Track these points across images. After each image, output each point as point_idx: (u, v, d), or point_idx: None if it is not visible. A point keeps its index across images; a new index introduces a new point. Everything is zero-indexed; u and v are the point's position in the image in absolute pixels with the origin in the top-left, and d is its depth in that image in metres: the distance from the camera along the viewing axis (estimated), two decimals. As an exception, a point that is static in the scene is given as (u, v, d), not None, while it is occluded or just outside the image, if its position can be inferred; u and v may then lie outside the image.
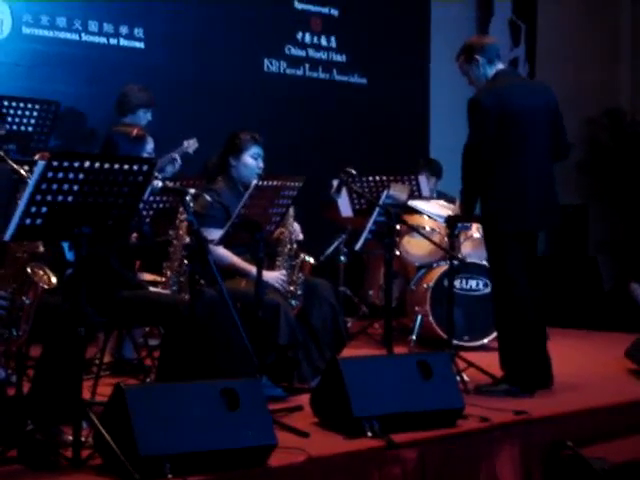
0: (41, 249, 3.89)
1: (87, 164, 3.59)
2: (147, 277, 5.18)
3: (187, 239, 4.97)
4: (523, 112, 5.34)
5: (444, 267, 7.03)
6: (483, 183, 5.35)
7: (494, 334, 6.94)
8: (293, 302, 5.31)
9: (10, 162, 4.00)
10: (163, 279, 5.11)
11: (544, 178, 5.45)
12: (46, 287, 3.81)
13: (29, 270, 3.82)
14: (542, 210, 5.45)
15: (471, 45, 5.53)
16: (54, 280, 3.83)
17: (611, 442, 4.99)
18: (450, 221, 6.01)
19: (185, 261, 5.02)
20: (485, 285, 7.12)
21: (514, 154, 5.31)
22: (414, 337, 7.02)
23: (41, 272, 3.83)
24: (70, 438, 3.72)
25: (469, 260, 7.08)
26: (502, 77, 5.46)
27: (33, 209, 3.56)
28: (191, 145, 7.09)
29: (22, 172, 3.86)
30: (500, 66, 5.50)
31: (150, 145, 4.79)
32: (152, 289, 4.86)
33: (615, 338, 7.43)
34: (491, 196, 5.36)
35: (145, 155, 4.72)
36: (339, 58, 9.14)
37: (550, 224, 5.81)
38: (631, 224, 11.23)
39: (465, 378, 5.46)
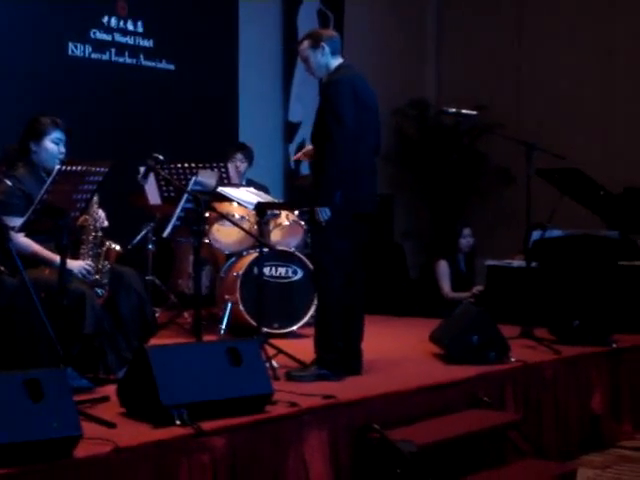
0: None
1: None
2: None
3: (-16, 226, 4.78)
4: (367, 103, 5.45)
5: (254, 255, 7.04)
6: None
7: (303, 321, 7.03)
8: (99, 291, 5.20)
9: None
10: (-40, 268, 4.91)
11: (373, 167, 5.57)
12: None
13: None
14: (372, 195, 5.56)
15: (319, 33, 5.62)
16: None
17: (418, 424, 5.10)
18: (260, 208, 6.02)
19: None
20: (294, 272, 7.17)
21: (357, 138, 5.33)
22: (224, 326, 7.00)
23: None
24: None
25: (279, 247, 7.11)
26: (346, 69, 5.53)
27: None
28: None
29: None
30: (341, 60, 5.56)
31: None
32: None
33: (420, 323, 7.61)
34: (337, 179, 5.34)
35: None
36: (146, 43, 9.00)
37: (375, 210, 5.70)
38: (436, 213, 11.53)
39: (275, 364, 5.49)
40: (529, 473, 5.30)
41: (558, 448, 6.07)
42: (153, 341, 5.41)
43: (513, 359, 6.02)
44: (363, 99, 5.45)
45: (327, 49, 5.50)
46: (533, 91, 11.26)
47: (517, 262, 8.26)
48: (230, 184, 6.98)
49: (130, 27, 8.87)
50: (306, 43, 5.56)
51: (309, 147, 5.76)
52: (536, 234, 7.58)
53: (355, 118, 5.32)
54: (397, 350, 6.56)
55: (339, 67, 5.53)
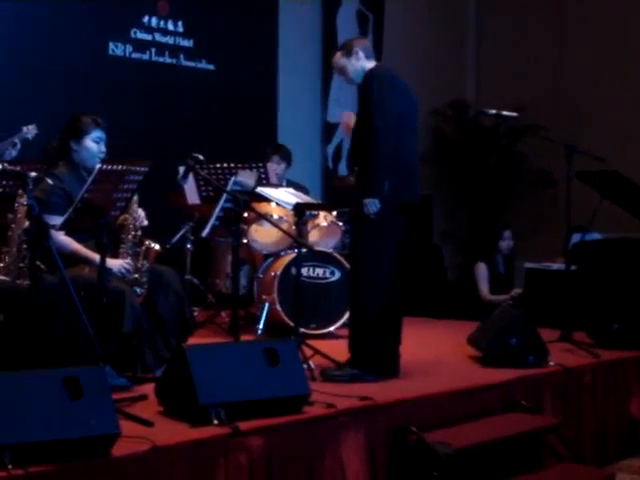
0: None
1: None
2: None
3: (26, 224, 4.80)
4: (407, 99, 5.48)
5: (291, 255, 7.03)
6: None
7: (341, 322, 7.01)
8: (138, 290, 5.20)
9: None
10: (1, 265, 4.93)
11: (415, 163, 5.56)
12: None
13: None
14: (417, 187, 5.54)
15: (350, 41, 5.64)
16: None
17: (455, 427, 5.08)
18: (298, 209, 6.01)
19: (25, 246, 4.86)
20: (332, 273, 7.15)
21: (400, 129, 5.34)
22: (261, 326, 7.00)
23: None
24: None
25: (316, 248, 7.10)
26: (382, 68, 5.56)
27: None
28: (30, 131, 6.87)
29: None
30: (375, 63, 5.57)
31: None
32: (-10, 275, 4.70)
33: (458, 326, 7.59)
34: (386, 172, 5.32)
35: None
36: (186, 43, 9.04)
37: (419, 202, 5.70)
38: (474, 215, 11.48)
39: (312, 365, 5.47)
40: (567, 478, 5.27)
41: (596, 453, 6.02)
42: (191, 340, 5.42)
43: (552, 363, 5.98)
44: (404, 93, 5.45)
45: (361, 53, 5.52)
46: (573, 92, 11.19)
47: (556, 265, 8.20)
48: (269, 184, 6.99)
49: (170, 27, 8.91)
50: (339, 54, 5.60)
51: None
52: (576, 237, 7.52)
53: (396, 109, 5.31)
54: (434, 352, 6.53)
55: (375, 67, 5.54)
